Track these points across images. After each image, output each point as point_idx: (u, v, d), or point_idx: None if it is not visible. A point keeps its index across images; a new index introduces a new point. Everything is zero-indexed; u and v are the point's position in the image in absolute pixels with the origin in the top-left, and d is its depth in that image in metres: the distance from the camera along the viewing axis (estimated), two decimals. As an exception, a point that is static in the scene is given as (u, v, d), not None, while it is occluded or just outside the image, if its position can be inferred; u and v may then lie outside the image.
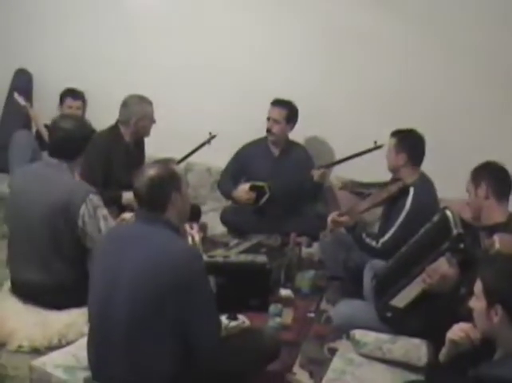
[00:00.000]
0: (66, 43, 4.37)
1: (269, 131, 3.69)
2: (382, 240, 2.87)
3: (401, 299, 2.28)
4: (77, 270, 2.39)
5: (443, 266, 2.10)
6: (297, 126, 3.77)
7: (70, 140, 2.47)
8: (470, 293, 1.74)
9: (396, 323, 2.32)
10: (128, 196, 3.05)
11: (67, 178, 2.46)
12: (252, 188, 3.63)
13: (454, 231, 2.17)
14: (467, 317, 1.72)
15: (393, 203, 2.96)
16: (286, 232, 3.36)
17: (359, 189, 3.14)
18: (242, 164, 3.74)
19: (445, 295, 2.10)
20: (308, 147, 3.89)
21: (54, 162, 2.48)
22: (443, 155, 3.42)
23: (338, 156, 3.76)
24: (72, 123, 2.50)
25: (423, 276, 2.16)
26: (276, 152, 3.77)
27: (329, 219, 2.98)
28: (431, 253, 2.20)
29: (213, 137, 3.69)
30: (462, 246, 2.12)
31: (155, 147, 3.54)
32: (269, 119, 3.70)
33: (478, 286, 1.66)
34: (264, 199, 3.62)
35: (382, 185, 3.06)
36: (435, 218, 2.37)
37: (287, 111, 3.67)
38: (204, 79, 4.10)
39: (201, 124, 3.79)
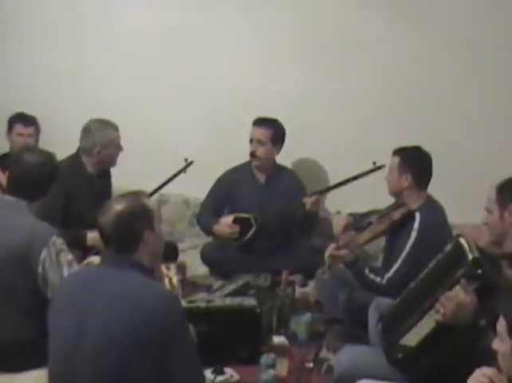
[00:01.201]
0: (15, 63, 4.31)
1: (253, 154, 3.67)
2: (387, 276, 2.86)
3: (413, 337, 2.24)
4: (35, 324, 2.32)
5: (458, 294, 2.07)
6: (285, 148, 3.74)
7: (33, 176, 2.44)
8: (491, 325, 1.71)
9: (408, 365, 2.27)
10: (93, 236, 3.02)
11: (26, 219, 2.42)
12: (236, 221, 3.62)
13: (470, 256, 2.15)
14: (489, 355, 1.68)
15: (397, 231, 2.97)
16: (277, 270, 3.36)
17: (360, 223, 3.10)
18: (224, 194, 3.71)
19: (462, 328, 2.07)
20: (298, 171, 3.87)
21: (12, 200, 2.44)
22: (452, 175, 3.46)
23: (333, 181, 3.73)
24: (38, 157, 2.47)
25: (436, 306, 2.14)
26: (262, 178, 3.76)
27: (326, 253, 2.94)
28: (445, 282, 2.19)
29: (189, 164, 3.64)
30: (479, 271, 2.10)
31: (124, 177, 3.53)
32: (252, 141, 3.68)
33: (501, 325, 1.59)
34: (250, 233, 3.62)
35: (383, 212, 3.06)
36: (448, 247, 2.36)
37: (272, 131, 3.65)
38: (178, 99, 4.09)
39: (175, 149, 3.79)
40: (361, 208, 3.33)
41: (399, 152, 3.03)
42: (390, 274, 2.83)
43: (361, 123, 3.84)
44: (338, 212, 3.57)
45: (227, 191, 3.72)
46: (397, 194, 3.04)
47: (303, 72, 3.85)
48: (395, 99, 3.73)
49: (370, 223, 3.06)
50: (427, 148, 3.02)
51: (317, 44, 3.82)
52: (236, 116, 3.91)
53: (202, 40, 3.99)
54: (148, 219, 1.94)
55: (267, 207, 3.63)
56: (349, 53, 3.79)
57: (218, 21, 3.96)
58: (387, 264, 2.92)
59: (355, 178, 3.41)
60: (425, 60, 3.69)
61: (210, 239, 3.85)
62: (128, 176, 3.54)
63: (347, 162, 3.67)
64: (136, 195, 2.00)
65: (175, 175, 3.58)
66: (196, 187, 3.83)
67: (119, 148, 3.37)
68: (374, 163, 3.34)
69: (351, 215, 3.23)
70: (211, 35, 4.00)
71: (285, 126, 3.69)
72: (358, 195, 3.54)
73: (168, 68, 4.06)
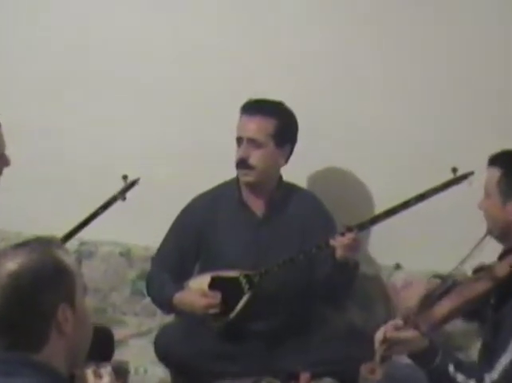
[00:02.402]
0: None
1: (242, 163, 3.17)
2: (490, 377, 2.47)
3: None
4: None
5: None
6: (297, 155, 3.27)
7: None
8: None
9: None
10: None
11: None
12: (216, 285, 3.16)
13: None
14: None
15: (504, 298, 2.59)
16: (288, 371, 3.03)
17: (440, 289, 2.76)
18: (194, 238, 3.30)
19: None
20: (319, 193, 3.40)
21: None
22: None
23: (381, 206, 3.24)
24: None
25: None
26: (259, 207, 3.26)
27: (378, 336, 2.50)
28: None
29: (131, 185, 3.19)
30: None
31: (23, 214, 3.49)
32: (240, 141, 3.18)
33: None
34: (240, 306, 3.12)
35: (480, 266, 2.75)
36: None
37: (276, 121, 3.16)
38: (110, 92, 3.79)
39: (108, 163, 3.58)
40: (441, 258, 3.04)
41: (501, 160, 2.68)
42: (495, 374, 2.48)
43: (420, 110, 3.48)
44: (397, 266, 3.34)
45: (199, 233, 3.29)
46: (504, 231, 2.67)
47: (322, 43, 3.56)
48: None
49: (454, 285, 2.71)
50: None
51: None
52: (214, 103, 3.57)
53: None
54: (64, 287, 1.74)
55: (268, 259, 3.15)
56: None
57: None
58: (489, 356, 2.58)
59: (422, 197, 2.96)
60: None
61: (170, 319, 3.42)
62: (29, 213, 3.47)
63: (403, 173, 3.37)
64: (43, 243, 1.79)
65: (106, 205, 3.17)
66: (143, 228, 3.55)
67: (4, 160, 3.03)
68: (454, 170, 2.90)
69: (436, 276, 2.85)
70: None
71: (300, 120, 3.24)
72: (433, 233, 3.30)
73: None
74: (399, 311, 2.72)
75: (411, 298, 2.76)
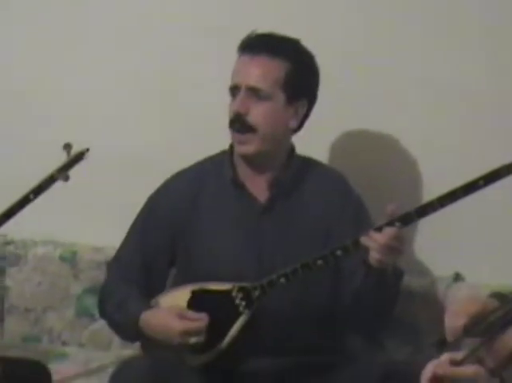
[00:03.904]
0: None
1: (238, 120, 2.88)
2: None
3: None
4: None
5: None
6: (317, 121, 2.96)
7: None
8: None
9: None
10: None
11: None
12: (198, 301, 2.89)
13: None
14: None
15: None
16: None
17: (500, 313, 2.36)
18: (168, 235, 3.04)
19: None
20: (347, 172, 3.11)
21: None
22: None
23: (429, 190, 3.14)
24: None
25: None
26: (261, 189, 2.96)
27: (425, 375, 2.12)
28: None
29: (77, 159, 2.82)
30: None
31: None
32: (236, 90, 2.89)
33: None
34: (233, 334, 2.83)
35: None
36: None
37: (289, 65, 2.89)
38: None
39: (48, 130, 3.41)
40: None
41: None
42: None
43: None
44: (457, 277, 3.17)
45: (176, 228, 3.04)
46: None
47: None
48: None
49: None
50: None
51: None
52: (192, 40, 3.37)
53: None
54: None
55: (274, 265, 2.84)
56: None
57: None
58: None
59: (492, 177, 2.67)
60: None
61: (131, 351, 3.22)
62: None
63: (464, 145, 3.20)
64: None
65: (40, 189, 2.81)
66: (95, 223, 3.43)
67: None
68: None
69: (496, 295, 2.42)
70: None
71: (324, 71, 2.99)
72: (504, 234, 3.18)
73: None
74: (456, 339, 2.24)
75: (457, 316, 2.28)
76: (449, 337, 2.20)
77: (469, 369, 2.01)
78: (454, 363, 2.01)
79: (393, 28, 3.42)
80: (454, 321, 2.23)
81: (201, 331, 2.69)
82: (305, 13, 3.37)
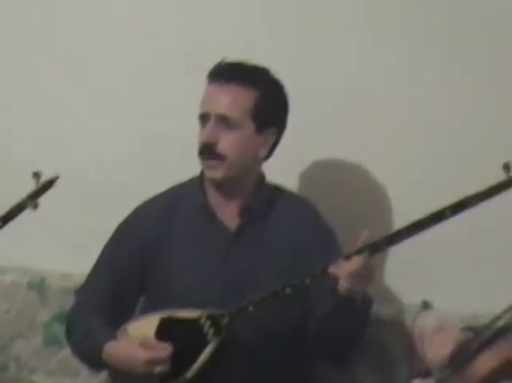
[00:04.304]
0: None
1: (207, 149, 2.89)
2: None
3: None
4: None
5: None
6: (285, 148, 3.02)
7: None
8: None
9: None
10: None
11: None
12: (165, 329, 2.86)
13: None
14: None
15: None
16: None
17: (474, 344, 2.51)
18: (138, 262, 3.02)
19: None
20: (316, 200, 3.10)
21: None
22: None
23: (398, 218, 3.14)
24: None
25: None
26: (231, 215, 2.98)
27: None
28: None
29: (46, 187, 2.76)
30: None
31: None
32: (205, 118, 2.90)
33: None
34: (201, 362, 2.81)
35: None
36: None
37: (258, 94, 2.91)
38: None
39: (14, 156, 3.48)
40: (483, 295, 3.12)
41: None
42: None
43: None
44: (425, 304, 3.17)
45: (145, 256, 3.01)
46: None
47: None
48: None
49: (499, 334, 2.41)
50: None
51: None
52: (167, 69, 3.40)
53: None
54: None
55: (242, 293, 2.84)
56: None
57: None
58: None
59: (461, 206, 2.67)
60: None
61: (100, 380, 3.18)
62: None
63: (432, 174, 3.19)
64: None
65: (9, 216, 2.72)
66: (63, 249, 3.39)
67: None
68: (506, 167, 2.60)
69: (469, 329, 2.53)
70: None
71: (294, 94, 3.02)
72: (475, 260, 3.15)
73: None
74: (430, 364, 2.33)
75: (444, 347, 2.37)
76: (433, 368, 2.28)
77: None
78: None
79: (363, 56, 3.37)
80: (438, 351, 2.32)
81: (165, 360, 2.70)
82: (273, 40, 3.37)
